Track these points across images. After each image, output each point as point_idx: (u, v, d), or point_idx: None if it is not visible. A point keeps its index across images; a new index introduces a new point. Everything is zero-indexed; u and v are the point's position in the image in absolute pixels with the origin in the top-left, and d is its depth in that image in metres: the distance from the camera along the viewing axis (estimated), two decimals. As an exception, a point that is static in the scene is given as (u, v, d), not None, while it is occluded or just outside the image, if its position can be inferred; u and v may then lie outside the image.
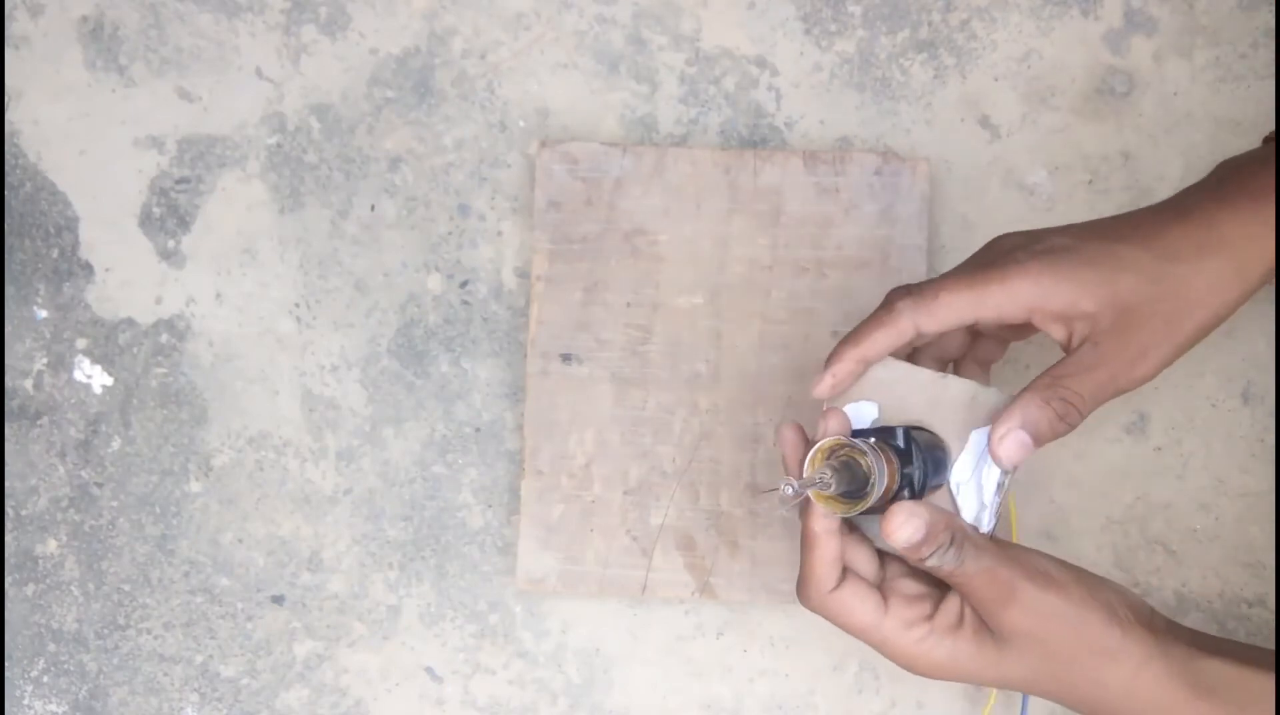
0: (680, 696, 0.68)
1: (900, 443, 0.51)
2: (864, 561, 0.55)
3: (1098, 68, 0.67)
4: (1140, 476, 0.67)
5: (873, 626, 0.52)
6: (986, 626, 0.52)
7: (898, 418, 0.53)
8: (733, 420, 0.66)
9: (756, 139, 0.68)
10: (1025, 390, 0.52)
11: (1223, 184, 0.55)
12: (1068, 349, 0.53)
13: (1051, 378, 0.52)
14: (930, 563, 0.51)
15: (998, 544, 0.53)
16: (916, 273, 0.65)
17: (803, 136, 0.68)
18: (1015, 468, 0.53)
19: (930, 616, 0.53)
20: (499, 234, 0.69)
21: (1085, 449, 0.67)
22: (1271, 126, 0.66)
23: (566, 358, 0.66)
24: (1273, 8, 0.66)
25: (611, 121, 0.68)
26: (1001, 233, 0.56)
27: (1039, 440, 0.52)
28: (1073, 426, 0.52)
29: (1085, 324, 0.52)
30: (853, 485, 0.48)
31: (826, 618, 0.53)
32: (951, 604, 0.53)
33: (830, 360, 0.54)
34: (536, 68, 0.69)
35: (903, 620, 0.52)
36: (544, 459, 0.66)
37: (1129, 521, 0.66)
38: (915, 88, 0.67)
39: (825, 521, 0.52)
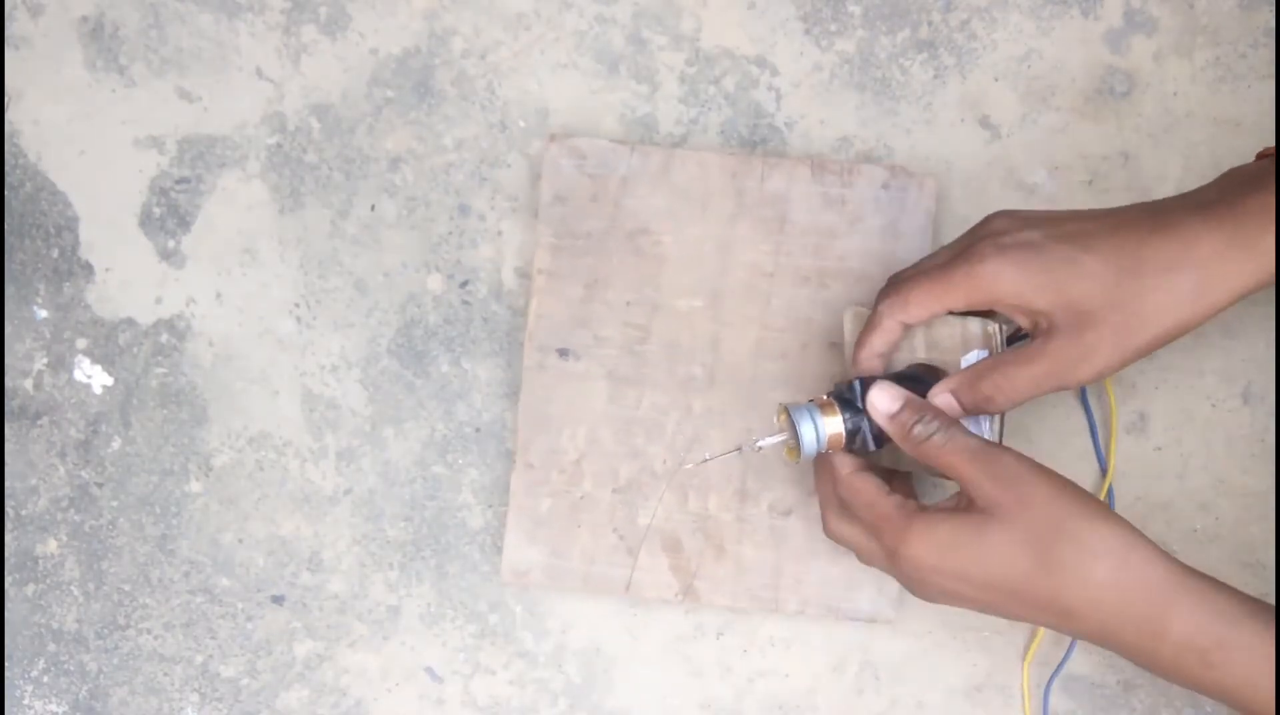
0: (680, 696, 0.68)
1: (856, 397, 0.57)
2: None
3: (1098, 68, 0.67)
4: (1140, 476, 0.67)
5: (873, 503, 0.55)
6: (975, 505, 0.53)
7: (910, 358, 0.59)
8: (726, 425, 0.66)
9: (756, 139, 0.68)
10: (966, 370, 0.57)
11: (1215, 202, 0.55)
12: (1032, 335, 0.56)
13: (989, 365, 0.56)
14: (916, 431, 0.54)
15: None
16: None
17: (803, 136, 0.68)
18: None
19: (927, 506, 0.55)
20: (499, 234, 0.69)
21: (1086, 448, 0.67)
22: (1271, 126, 0.66)
23: (563, 353, 0.66)
24: (1273, 8, 0.66)
25: (611, 121, 0.68)
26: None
27: (961, 414, 0.57)
28: (998, 411, 0.56)
29: (1044, 319, 0.55)
30: (794, 438, 0.57)
31: (845, 501, 0.57)
32: (950, 499, 0.55)
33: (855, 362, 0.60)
34: (536, 68, 0.69)
35: (898, 500, 0.55)
36: (535, 452, 0.66)
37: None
38: (915, 88, 0.67)
39: (841, 459, 0.58)
